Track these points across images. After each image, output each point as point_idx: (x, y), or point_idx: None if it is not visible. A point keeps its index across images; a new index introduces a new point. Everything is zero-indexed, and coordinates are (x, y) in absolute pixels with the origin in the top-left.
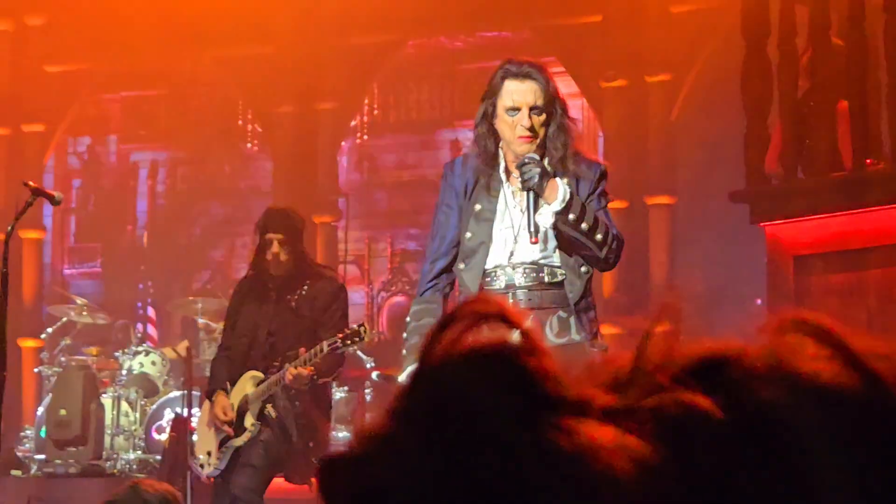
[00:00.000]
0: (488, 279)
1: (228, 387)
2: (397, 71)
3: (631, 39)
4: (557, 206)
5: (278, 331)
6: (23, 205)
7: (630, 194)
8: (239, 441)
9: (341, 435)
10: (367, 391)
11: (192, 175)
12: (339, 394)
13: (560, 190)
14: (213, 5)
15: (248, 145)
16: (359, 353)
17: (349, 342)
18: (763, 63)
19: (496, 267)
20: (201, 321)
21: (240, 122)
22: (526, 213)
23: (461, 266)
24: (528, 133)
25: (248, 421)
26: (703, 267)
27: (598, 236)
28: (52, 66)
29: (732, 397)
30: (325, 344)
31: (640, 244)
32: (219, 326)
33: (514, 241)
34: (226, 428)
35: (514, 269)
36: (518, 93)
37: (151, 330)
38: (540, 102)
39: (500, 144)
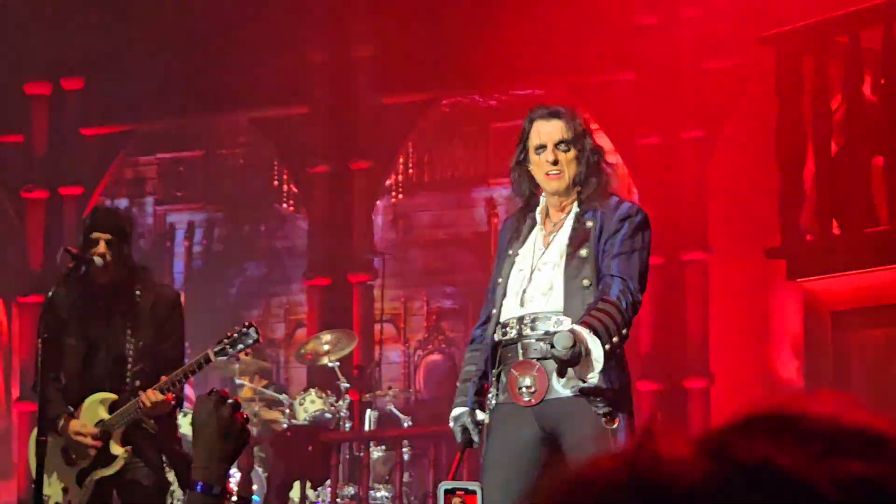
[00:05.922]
0: (505, 330)
1: (72, 410)
2: (432, 130)
3: (664, 96)
4: (595, 376)
5: (117, 350)
6: (63, 269)
7: (665, 251)
8: (110, 470)
9: (380, 494)
10: (404, 450)
11: (228, 236)
12: (376, 453)
13: (594, 367)
14: (247, 67)
15: (284, 205)
16: (395, 411)
17: (240, 345)
18: (797, 119)
19: (511, 318)
20: (238, 382)
21: (275, 183)
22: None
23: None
24: (554, 169)
25: (116, 449)
26: (740, 323)
27: (624, 331)
28: (88, 130)
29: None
30: (210, 352)
31: (676, 300)
32: (257, 387)
33: (529, 279)
34: (91, 450)
35: (524, 320)
36: (545, 131)
37: (188, 391)
38: (567, 137)
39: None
